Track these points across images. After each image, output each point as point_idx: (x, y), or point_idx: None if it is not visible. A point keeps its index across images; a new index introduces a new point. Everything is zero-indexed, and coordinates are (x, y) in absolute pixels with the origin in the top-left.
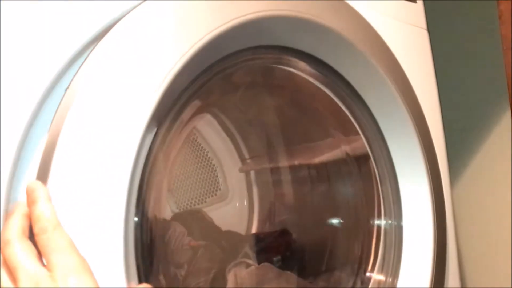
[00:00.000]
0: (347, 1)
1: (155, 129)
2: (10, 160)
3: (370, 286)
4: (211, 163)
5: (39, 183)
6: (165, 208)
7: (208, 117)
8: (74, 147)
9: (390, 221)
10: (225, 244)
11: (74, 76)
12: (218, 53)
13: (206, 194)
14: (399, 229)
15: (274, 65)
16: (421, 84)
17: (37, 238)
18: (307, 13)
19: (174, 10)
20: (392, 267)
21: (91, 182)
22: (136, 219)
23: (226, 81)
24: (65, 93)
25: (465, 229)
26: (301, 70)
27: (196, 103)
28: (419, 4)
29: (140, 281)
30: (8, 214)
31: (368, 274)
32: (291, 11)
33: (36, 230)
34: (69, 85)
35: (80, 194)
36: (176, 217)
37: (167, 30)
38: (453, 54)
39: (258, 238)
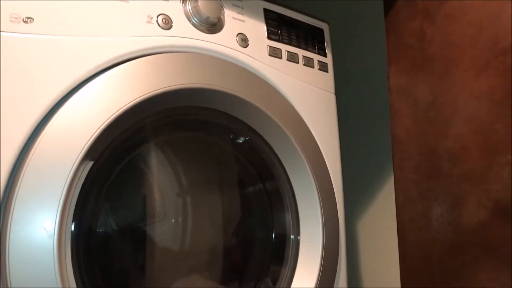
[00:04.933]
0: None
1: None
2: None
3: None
4: (152, 187)
5: None
6: (106, 225)
7: (153, 149)
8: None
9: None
10: (160, 260)
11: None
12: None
13: (145, 214)
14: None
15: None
16: (325, 136)
17: None
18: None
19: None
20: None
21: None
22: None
23: (175, 124)
24: None
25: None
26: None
27: (140, 139)
28: (330, 73)
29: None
30: None
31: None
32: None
33: None
34: None
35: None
36: (116, 234)
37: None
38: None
39: (191, 253)
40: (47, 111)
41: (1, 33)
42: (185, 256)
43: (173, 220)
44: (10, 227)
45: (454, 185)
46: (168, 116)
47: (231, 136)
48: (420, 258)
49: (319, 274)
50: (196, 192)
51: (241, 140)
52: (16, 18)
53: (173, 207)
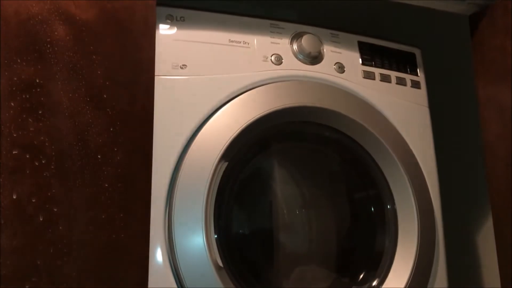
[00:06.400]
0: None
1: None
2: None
3: None
4: (270, 192)
5: None
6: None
7: (270, 158)
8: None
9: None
10: (281, 253)
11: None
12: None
13: (265, 216)
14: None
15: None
16: (421, 147)
17: None
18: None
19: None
20: None
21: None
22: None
23: (285, 136)
24: None
25: None
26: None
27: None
28: (423, 90)
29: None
30: None
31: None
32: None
33: None
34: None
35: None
36: (246, 235)
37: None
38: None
39: (307, 247)
40: (196, 126)
41: (168, 76)
42: (301, 249)
43: (290, 222)
44: (174, 225)
45: None
46: (279, 130)
47: (337, 147)
48: None
49: (411, 272)
50: (310, 198)
51: (344, 151)
52: (175, 65)
53: (290, 211)
